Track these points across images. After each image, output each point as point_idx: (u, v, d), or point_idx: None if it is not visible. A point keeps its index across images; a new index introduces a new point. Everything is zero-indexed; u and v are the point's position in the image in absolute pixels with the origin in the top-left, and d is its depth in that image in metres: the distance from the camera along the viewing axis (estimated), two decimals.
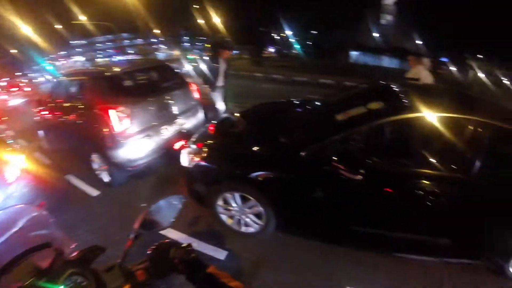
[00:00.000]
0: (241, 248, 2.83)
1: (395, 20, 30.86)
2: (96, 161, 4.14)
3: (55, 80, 5.58)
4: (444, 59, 25.27)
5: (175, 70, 4.95)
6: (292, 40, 30.62)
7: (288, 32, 29.54)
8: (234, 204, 2.80)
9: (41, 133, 6.10)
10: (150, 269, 0.91)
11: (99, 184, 4.24)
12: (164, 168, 4.37)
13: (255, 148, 2.75)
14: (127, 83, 4.05)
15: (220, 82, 5.28)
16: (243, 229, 2.90)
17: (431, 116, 2.21)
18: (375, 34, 30.30)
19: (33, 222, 1.34)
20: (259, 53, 24.29)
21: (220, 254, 2.76)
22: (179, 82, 4.63)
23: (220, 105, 5.46)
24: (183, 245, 0.95)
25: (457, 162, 2.21)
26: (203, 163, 2.84)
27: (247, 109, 4.15)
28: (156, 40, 50.31)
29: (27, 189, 3.21)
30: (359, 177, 2.19)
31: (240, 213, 2.82)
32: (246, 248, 2.83)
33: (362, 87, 3.88)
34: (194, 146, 3.03)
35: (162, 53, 49.69)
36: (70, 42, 55.21)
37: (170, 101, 4.18)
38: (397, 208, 2.30)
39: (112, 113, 3.53)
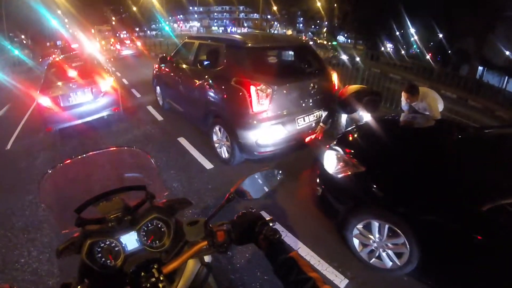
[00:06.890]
0: (364, 282, 2.39)
1: None
2: (218, 134, 3.96)
3: (181, 41, 5.65)
4: None
5: (317, 54, 4.22)
6: (412, 38, 26.88)
7: (411, 30, 25.71)
8: (377, 234, 2.33)
9: (157, 89, 6.41)
10: (232, 234, 0.90)
11: (212, 155, 4.20)
12: (287, 159, 4.05)
13: (420, 182, 2.20)
14: (271, 59, 3.68)
15: None
16: (373, 261, 2.44)
17: None
18: (507, 52, 25.46)
19: (136, 164, 1.37)
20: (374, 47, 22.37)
21: (340, 281, 2.37)
22: (321, 69, 4.03)
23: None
24: (268, 219, 0.92)
25: None
26: (355, 178, 2.40)
27: (392, 117, 3.58)
28: (271, 17, 50.72)
29: (110, 99, 5.53)
30: None
31: (379, 244, 2.34)
32: (369, 283, 2.38)
33: None
34: (339, 150, 2.61)
35: (275, 30, 50.55)
36: (190, 8, 59.13)
37: (311, 89, 3.67)
38: None
39: (253, 90, 3.22)
